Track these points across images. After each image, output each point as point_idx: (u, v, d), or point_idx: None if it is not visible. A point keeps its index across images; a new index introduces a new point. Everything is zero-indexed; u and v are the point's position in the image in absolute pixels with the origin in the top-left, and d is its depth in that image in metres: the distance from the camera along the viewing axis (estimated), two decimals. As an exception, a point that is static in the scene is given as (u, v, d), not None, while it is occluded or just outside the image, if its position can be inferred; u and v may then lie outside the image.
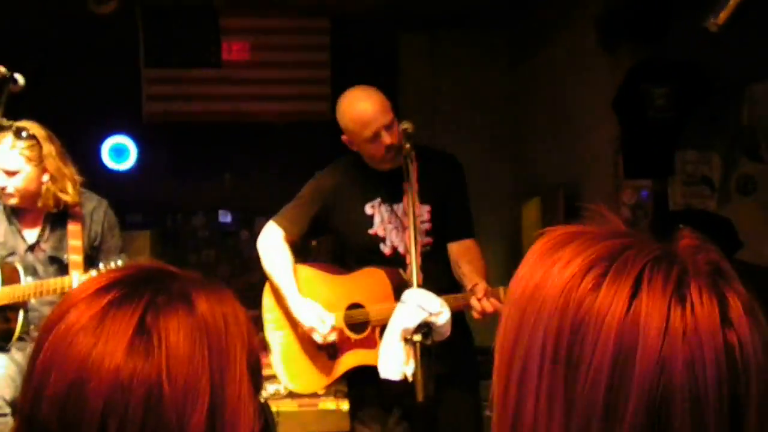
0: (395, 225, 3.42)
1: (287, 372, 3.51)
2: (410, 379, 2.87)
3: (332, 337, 3.36)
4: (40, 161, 3.58)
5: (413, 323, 2.84)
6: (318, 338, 3.36)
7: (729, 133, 4.85)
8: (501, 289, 3.09)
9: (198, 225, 8.47)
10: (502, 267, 5.70)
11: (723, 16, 3.21)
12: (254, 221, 8.58)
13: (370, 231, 3.45)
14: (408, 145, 3.23)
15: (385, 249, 3.45)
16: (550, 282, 0.87)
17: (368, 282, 3.40)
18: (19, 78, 3.11)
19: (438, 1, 6.33)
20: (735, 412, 0.81)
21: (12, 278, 3.52)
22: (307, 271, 3.54)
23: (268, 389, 5.05)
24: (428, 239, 3.42)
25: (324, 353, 3.45)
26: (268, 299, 3.57)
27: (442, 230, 3.46)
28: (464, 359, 3.49)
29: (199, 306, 1.00)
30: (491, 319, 3.37)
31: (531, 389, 0.85)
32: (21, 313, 3.53)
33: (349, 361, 3.41)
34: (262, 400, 3.57)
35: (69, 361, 0.95)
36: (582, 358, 0.82)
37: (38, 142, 3.57)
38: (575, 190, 5.97)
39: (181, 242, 8.28)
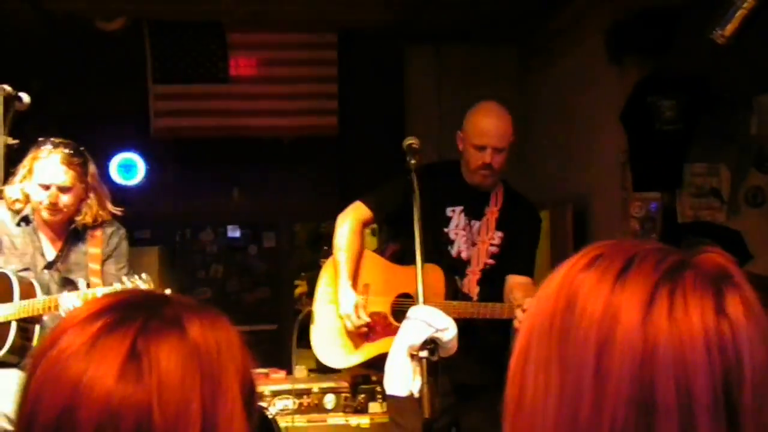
0: (467, 236, 3.69)
1: (325, 345, 3.70)
2: (416, 395, 2.85)
3: (362, 331, 3.59)
4: (85, 178, 3.62)
5: (419, 339, 2.84)
6: (349, 326, 3.58)
7: (737, 145, 4.84)
8: None
9: (206, 240, 8.49)
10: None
11: (730, 28, 3.21)
12: (262, 236, 8.61)
13: (445, 229, 3.68)
14: (414, 161, 3.28)
15: (452, 251, 3.67)
16: (554, 277, 0.92)
17: (425, 276, 3.47)
18: (24, 97, 3.13)
19: (445, 16, 6.33)
20: (728, 398, 0.81)
21: (29, 294, 3.53)
22: (372, 255, 3.80)
23: (277, 405, 5.04)
24: (492, 261, 3.68)
25: (365, 334, 3.63)
26: (326, 272, 3.77)
27: (508, 258, 3.70)
28: (503, 370, 3.53)
29: (192, 331, 0.99)
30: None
31: (532, 360, 0.90)
32: (37, 329, 3.53)
33: (385, 345, 3.49)
34: (270, 416, 3.53)
35: (60, 387, 0.94)
36: (572, 326, 0.86)
37: (87, 159, 3.63)
38: (584, 203, 5.95)
39: (190, 258, 8.29)
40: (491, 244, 3.68)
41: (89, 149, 3.77)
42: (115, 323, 0.97)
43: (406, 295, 3.59)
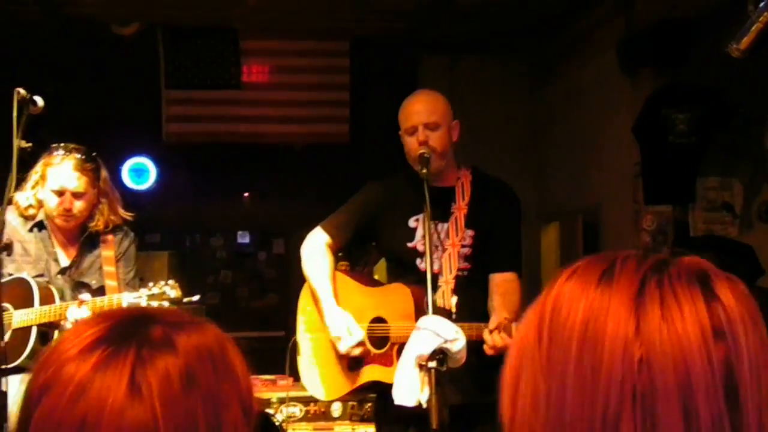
0: (436, 243, 3.35)
1: (309, 375, 3.54)
2: (425, 405, 2.83)
3: (355, 352, 3.33)
4: (97, 183, 3.63)
5: (428, 350, 2.81)
6: (341, 348, 3.34)
7: (751, 159, 4.81)
8: (514, 326, 2.99)
9: (216, 246, 8.50)
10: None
11: (746, 41, 3.19)
12: (272, 243, 8.61)
13: (410, 244, 3.39)
14: (425, 170, 3.21)
15: (422, 264, 3.35)
16: (540, 295, 0.93)
17: (394, 298, 3.36)
18: (39, 100, 3.13)
19: (459, 25, 6.33)
20: (728, 379, 0.82)
21: (48, 299, 3.52)
22: (342, 278, 3.57)
23: (284, 412, 5.03)
24: (466, 264, 3.35)
25: (346, 363, 3.43)
26: (304, 301, 3.62)
27: (484, 257, 3.38)
28: (484, 388, 3.42)
29: (184, 351, 0.97)
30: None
31: (523, 376, 0.90)
32: (56, 335, 3.52)
33: (367, 374, 3.38)
34: (277, 423, 3.51)
35: (64, 430, 0.92)
36: (556, 332, 0.87)
37: (99, 165, 3.62)
38: (594, 216, 5.93)
39: (199, 263, 8.30)
40: (462, 246, 3.34)
41: (101, 153, 3.77)
42: (110, 355, 0.95)
43: (379, 319, 3.38)
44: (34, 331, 3.47)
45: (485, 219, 3.39)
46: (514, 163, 6.86)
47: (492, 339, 3.01)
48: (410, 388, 2.88)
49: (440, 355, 2.83)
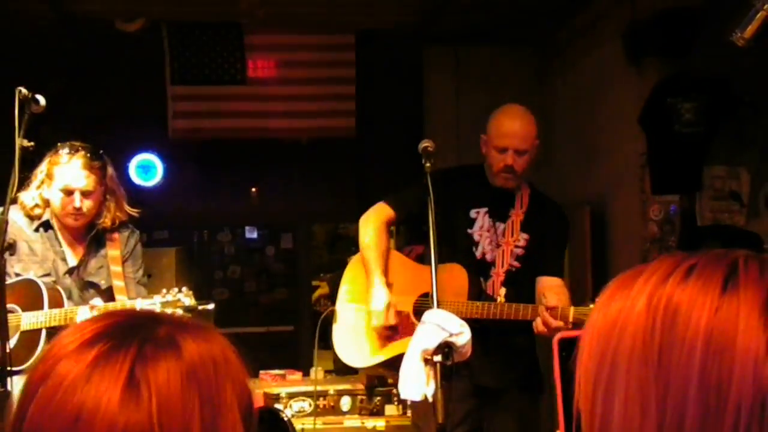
0: (491, 238, 3.67)
1: (346, 344, 3.73)
2: (430, 399, 2.84)
3: (384, 332, 3.59)
4: (104, 181, 3.63)
5: (433, 344, 2.83)
6: (374, 322, 3.57)
7: (758, 147, 4.79)
8: (571, 309, 3.27)
9: (224, 241, 8.52)
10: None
11: (750, 30, 3.17)
12: (280, 237, 8.63)
13: (469, 230, 3.68)
14: (428, 164, 3.27)
15: (477, 252, 3.67)
16: (634, 294, 0.86)
17: (448, 276, 3.50)
18: (41, 99, 3.13)
19: (463, 18, 6.31)
20: None
21: (57, 301, 3.53)
22: (397, 254, 3.83)
23: (293, 407, 5.04)
24: (517, 263, 3.67)
25: (385, 334, 3.64)
26: (351, 271, 3.80)
27: (534, 260, 3.68)
28: (527, 373, 3.69)
29: (187, 352, 0.97)
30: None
31: (619, 386, 0.84)
32: None
33: (404, 345, 3.46)
34: (286, 418, 3.53)
35: (59, 422, 0.92)
36: (674, 340, 0.81)
37: (105, 163, 3.63)
38: (601, 206, 5.92)
39: (208, 259, 8.32)
40: (516, 246, 3.68)
41: (108, 150, 3.77)
42: (110, 350, 0.95)
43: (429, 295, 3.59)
44: (43, 333, 3.47)
45: (540, 228, 3.73)
46: (520, 155, 6.84)
47: (544, 317, 3.28)
48: (416, 381, 2.90)
49: (446, 348, 2.85)
